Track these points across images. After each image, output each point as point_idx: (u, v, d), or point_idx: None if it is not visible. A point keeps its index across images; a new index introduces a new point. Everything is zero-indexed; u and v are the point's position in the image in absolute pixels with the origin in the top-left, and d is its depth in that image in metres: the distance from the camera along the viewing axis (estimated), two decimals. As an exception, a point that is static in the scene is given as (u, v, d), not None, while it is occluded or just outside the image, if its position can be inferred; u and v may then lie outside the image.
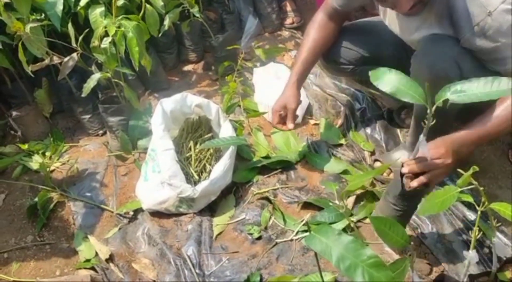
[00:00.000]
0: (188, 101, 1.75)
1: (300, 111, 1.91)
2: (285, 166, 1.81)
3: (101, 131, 2.03)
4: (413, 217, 1.58)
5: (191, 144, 1.77)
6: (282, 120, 1.72)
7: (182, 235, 1.62)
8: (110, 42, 1.72)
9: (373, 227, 1.03)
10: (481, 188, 1.11)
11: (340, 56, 1.75)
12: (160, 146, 1.62)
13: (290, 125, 1.70)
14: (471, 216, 1.59)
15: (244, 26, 2.45)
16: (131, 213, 1.68)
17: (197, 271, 1.51)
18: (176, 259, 1.54)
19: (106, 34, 1.74)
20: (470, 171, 1.10)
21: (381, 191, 1.68)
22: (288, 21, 2.55)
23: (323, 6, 1.72)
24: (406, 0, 1.29)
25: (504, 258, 1.40)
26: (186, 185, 1.59)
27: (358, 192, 1.69)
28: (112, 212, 1.70)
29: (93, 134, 2.03)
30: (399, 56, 1.65)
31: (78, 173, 1.86)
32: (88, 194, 1.78)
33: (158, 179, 1.62)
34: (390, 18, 1.56)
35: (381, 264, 0.82)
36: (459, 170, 1.13)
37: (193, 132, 1.83)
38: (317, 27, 1.71)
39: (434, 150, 1.27)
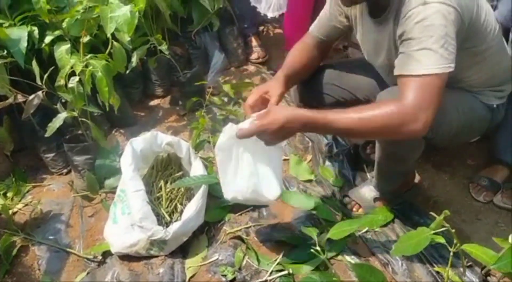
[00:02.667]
0: (158, 139, 1.73)
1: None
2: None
3: (65, 170, 1.97)
4: (384, 253, 1.62)
5: (162, 183, 1.74)
6: (258, 107, 1.52)
7: (154, 278, 1.57)
8: (77, 81, 1.69)
9: (356, 274, 1.04)
10: (453, 230, 1.15)
11: (313, 98, 1.78)
12: (130, 186, 1.59)
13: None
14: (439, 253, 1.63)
15: (211, 61, 2.47)
16: (100, 256, 1.63)
17: (171, 317, 1.47)
18: (148, 305, 1.50)
19: (73, 72, 1.72)
20: (442, 215, 1.14)
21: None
22: (254, 56, 2.59)
23: (307, 34, 1.72)
24: None
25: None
26: (158, 227, 1.56)
27: (329, 227, 1.71)
28: (79, 256, 1.64)
29: (57, 173, 1.97)
30: (373, 97, 1.67)
31: (42, 215, 1.79)
32: (53, 237, 1.71)
33: (128, 221, 1.58)
34: (361, 40, 1.60)
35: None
36: (431, 213, 1.17)
37: (163, 171, 1.80)
38: (303, 47, 1.69)
39: (261, 118, 1.30)
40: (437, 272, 1.55)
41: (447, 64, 1.23)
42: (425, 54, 1.22)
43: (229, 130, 1.39)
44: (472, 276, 1.47)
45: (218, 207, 1.77)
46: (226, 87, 2.33)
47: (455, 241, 1.16)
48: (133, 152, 1.65)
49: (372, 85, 1.71)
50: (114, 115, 2.07)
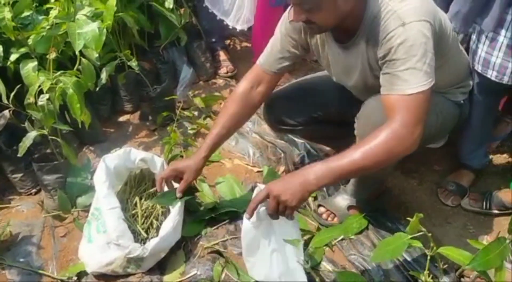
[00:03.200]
0: (132, 156, 1.71)
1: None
2: (233, 216, 1.81)
3: (34, 190, 1.92)
4: (361, 261, 1.65)
5: (137, 199, 1.72)
6: (171, 181, 1.64)
7: (132, 297, 1.55)
8: (47, 99, 1.65)
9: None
10: (429, 234, 1.19)
11: (286, 119, 1.81)
12: (105, 204, 1.56)
13: (178, 194, 1.60)
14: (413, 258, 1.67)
15: (179, 75, 2.46)
16: (74, 277, 1.58)
17: None
18: (127, 324, 1.47)
19: (41, 90, 1.68)
20: (415, 218, 1.17)
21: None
22: (222, 70, 2.60)
23: (247, 74, 1.69)
24: (297, 13, 1.35)
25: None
26: (135, 244, 1.53)
27: (306, 237, 1.73)
28: (53, 277, 1.60)
29: (25, 193, 1.91)
30: (345, 111, 1.71)
31: (11, 237, 1.73)
32: (25, 260, 1.65)
33: (104, 239, 1.55)
34: (329, 65, 1.63)
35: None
36: (408, 218, 1.20)
37: (136, 187, 1.78)
38: (237, 100, 1.65)
39: (259, 193, 1.35)
40: (412, 277, 1.59)
41: (430, 79, 1.31)
42: (411, 73, 1.29)
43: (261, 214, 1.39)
44: (446, 278, 1.52)
45: (194, 221, 1.76)
46: (197, 100, 2.34)
47: (431, 245, 1.19)
48: (107, 168, 1.63)
49: (343, 98, 1.74)
50: (84, 132, 2.04)
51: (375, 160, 1.28)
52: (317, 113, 1.81)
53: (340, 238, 1.73)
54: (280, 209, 1.32)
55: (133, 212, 1.70)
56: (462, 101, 1.66)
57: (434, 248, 1.19)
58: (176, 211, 1.61)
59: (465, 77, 1.68)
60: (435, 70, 1.38)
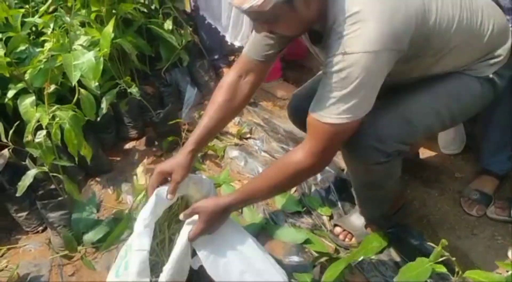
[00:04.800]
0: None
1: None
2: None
3: (40, 228, 1.87)
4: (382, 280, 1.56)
5: (166, 224, 1.62)
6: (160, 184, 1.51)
7: None
8: (44, 135, 1.61)
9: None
10: (453, 258, 1.09)
11: None
12: (135, 244, 1.45)
13: (169, 196, 1.47)
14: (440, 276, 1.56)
15: (183, 97, 2.41)
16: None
17: None
18: None
19: (40, 126, 1.64)
20: (440, 247, 1.08)
21: (345, 256, 1.64)
22: (227, 87, 2.53)
23: (235, 64, 1.58)
24: (258, 25, 1.27)
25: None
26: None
27: (323, 259, 1.65)
28: (62, 320, 1.54)
29: (32, 232, 1.87)
30: None
31: (19, 279, 1.68)
32: (33, 302, 1.61)
33: (125, 278, 1.46)
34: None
35: None
36: (430, 243, 1.11)
37: (169, 210, 1.64)
38: (225, 90, 1.54)
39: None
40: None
41: (351, 116, 1.23)
42: (335, 103, 1.22)
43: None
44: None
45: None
46: (202, 122, 2.27)
47: (456, 269, 1.10)
48: (156, 204, 1.46)
49: None
50: (88, 164, 1.98)
51: (280, 189, 1.47)
52: None
53: (360, 259, 1.63)
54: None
55: (161, 238, 1.61)
56: (491, 76, 1.45)
57: (460, 272, 1.10)
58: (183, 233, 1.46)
59: (492, 48, 1.44)
60: (437, 62, 1.32)
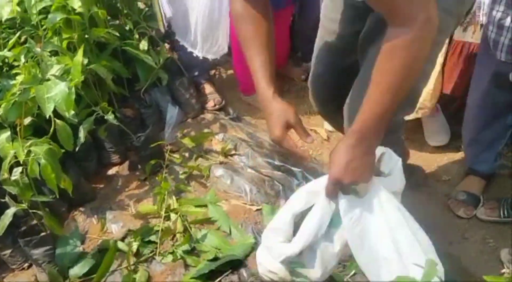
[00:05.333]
0: None
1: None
2: (234, 264, 1.70)
3: (26, 265, 1.82)
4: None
5: None
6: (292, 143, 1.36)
7: None
8: (21, 172, 1.57)
9: None
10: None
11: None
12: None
13: (308, 139, 1.29)
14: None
15: (165, 117, 2.37)
16: None
17: None
18: None
19: (17, 161, 1.61)
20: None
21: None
22: (210, 104, 2.51)
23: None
24: None
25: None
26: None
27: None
28: None
29: (18, 269, 1.82)
30: None
31: (7, 320, 1.65)
32: None
33: None
34: None
35: None
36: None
37: None
38: (246, 18, 1.31)
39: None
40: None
41: None
42: None
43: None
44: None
45: (193, 278, 1.65)
46: (186, 141, 2.24)
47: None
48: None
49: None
50: (70, 195, 1.95)
51: (407, 79, 1.08)
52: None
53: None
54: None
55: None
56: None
57: None
58: None
59: None
60: None
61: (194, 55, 2.42)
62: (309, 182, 1.25)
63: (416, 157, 2.06)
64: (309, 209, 1.19)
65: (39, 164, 1.58)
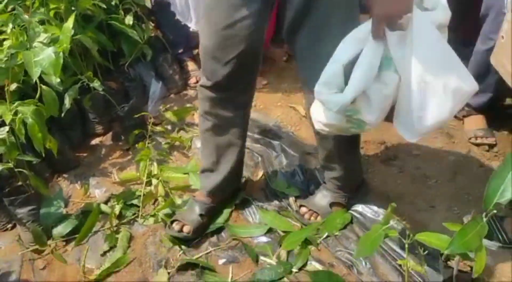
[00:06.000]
0: None
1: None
2: (215, 227, 1.78)
3: (9, 225, 1.86)
4: (348, 256, 1.62)
5: None
6: None
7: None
8: (8, 132, 1.62)
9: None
10: (404, 222, 1.16)
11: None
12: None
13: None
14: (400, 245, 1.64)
15: (148, 91, 2.43)
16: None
17: None
18: None
19: (3, 123, 1.65)
20: (389, 209, 1.15)
21: (312, 235, 1.70)
22: (192, 80, 2.57)
23: None
24: None
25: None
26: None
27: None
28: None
29: (1, 229, 1.86)
30: None
31: (-11, 277, 1.69)
32: (5, 298, 1.62)
33: None
34: None
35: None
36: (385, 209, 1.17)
37: None
38: None
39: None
40: (400, 265, 1.56)
41: None
42: None
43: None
44: (433, 262, 1.50)
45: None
46: (168, 115, 2.30)
47: (408, 233, 1.16)
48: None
49: None
50: (55, 160, 1.99)
51: None
52: None
53: (325, 236, 1.70)
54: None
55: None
56: None
57: (411, 235, 1.17)
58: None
59: None
60: None
61: (183, 32, 2.49)
62: (353, 31, 1.24)
63: (390, 133, 2.16)
64: (357, 57, 1.21)
65: (25, 125, 1.63)
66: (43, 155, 1.67)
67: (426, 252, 1.24)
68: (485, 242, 1.22)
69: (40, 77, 1.75)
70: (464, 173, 1.96)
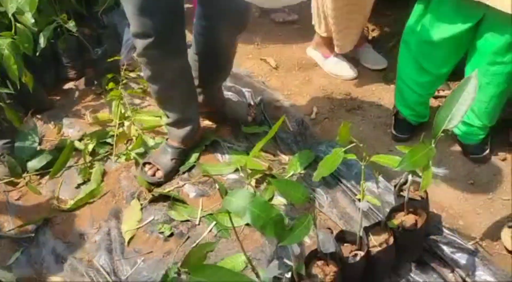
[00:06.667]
0: None
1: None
2: (186, 168, 1.85)
3: (-16, 160, 1.91)
4: (311, 191, 1.73)
5: None
6: None
7: (91, 247, 1.60)
8: (-18, 63, 1.64)
9: (277, 188, 1.12)
10: (361, 144, 1.27)
11: None
12: None
13: None
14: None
15: (122, 39, 2.45)
16: (32, 235, 1.62)
17: (113, 278, 1.50)
18: (88, 271, 1.51)
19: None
20: (343, 126, 1.22)
21: (277, 172, 1.81)
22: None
23: None
24: None
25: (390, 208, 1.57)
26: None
27: (258, 176, 1.80)
28: (11, 237, 1.62)
29: (-25, 164, 1.90)
30: None
31: (-36, 206, 1.73)
32: (-20, 225, 1.67)
33: None
34: None
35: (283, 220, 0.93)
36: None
37: None
38: None
39: None
40: (359, 200, 1.68)
41: None
42: None
43: None
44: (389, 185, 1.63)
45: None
46: (141, 61, 2.34)
47: (364, 155, 1.27)
48: None
49: None
50: (29, 101, 2.02)
51: None
52: None
53: (291, 174, 1.80)
54: None
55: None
56: None
57: (367, 157, 1.27)
58: None
59: None
60: None
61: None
62: None
63: (355, 83, 2.27)
64: None
65: (1, 56, 1.66)
66: (19, 88, 1.70)
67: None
68: (434, 169, 1.34)
69: (14, 18, 1.77)
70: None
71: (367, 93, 2.22)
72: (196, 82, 1.82)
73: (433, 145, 1.23)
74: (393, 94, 2.11)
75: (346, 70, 2.30)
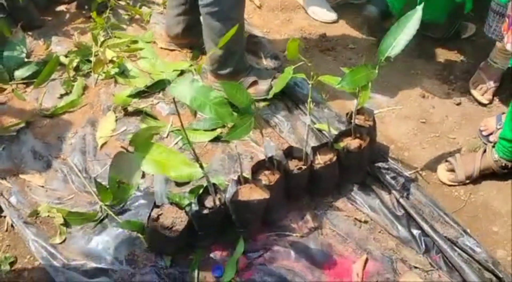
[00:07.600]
0: None
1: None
2: (164, 87, 1.98)
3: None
4: (274, 119, 1.87)
5: None
6: None
7: (67, 148, 1.75)
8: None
9: (224, 92, 1.25)
10: (310, 64, 1.39)
11: None
12: None
13: None
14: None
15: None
16: (14, 133, 1.77)
17: (84, 175, 1.66)
18: (62, 167, 1.68)
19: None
20: (292, 41, 1.33)
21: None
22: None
23: None
24: None
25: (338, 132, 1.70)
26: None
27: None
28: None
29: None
30: None
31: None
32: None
33: None
34: None
35: (224, 102, 1.06)
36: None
37: None
38: None
39: None
40: (319, 130, 1.82)
41: None
42: None
43: None
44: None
45: (125, 95, 1.93)
46: (132, -10, 2.44)
47: (312, 74, 1.40)
48: None
49: None
50: (20, 17, 2.13)
51: None
52: None
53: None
54: None
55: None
56: None
57: (315, 76, 1.40)
58: None
59: None
60: None
61: None
62: None
63: (334, 27, 2.37)
64: None
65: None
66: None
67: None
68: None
69: None
70: (388, 65, 2.20)
71: (343, 37, 2.33)
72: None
73: (376, 70, 1.36)
74: (367, 42, 2.23)
75: (326, 13, 2.40)
